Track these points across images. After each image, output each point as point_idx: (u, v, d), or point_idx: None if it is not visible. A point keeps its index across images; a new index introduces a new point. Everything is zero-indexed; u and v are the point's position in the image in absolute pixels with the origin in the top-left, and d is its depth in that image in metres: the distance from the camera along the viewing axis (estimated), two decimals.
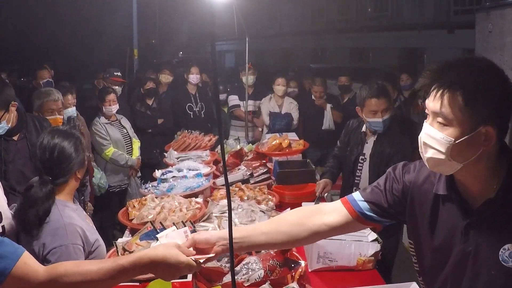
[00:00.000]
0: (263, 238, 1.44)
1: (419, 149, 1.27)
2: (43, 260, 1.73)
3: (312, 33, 16.17)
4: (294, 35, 16.76)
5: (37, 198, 1.80)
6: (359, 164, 3.02)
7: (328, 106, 5.17)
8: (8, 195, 2.09)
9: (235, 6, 4.73)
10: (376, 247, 2.24)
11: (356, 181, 3.05)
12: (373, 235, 2.31)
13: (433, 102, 1.18)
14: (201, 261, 1.31)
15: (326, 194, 3.44)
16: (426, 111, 1.24)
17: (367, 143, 2.99)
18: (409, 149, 2.82)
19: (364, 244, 2.23)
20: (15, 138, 2.76)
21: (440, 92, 1.16)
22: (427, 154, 1.22)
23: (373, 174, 2.90)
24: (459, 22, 9.64)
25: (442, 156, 1.18)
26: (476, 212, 1.23)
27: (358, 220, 1.42)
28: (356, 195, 1.45)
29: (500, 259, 1.19)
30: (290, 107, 5.26)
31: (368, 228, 2.37)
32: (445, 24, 10.26)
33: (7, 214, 1.86)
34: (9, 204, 1.93)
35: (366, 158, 2.98)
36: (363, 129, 3.03)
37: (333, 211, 1.45)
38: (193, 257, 1.30)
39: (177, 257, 1.27)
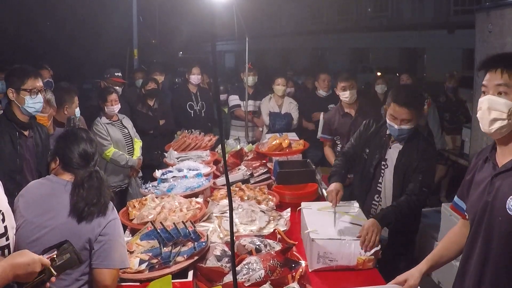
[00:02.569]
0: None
1: (479, 115, 1.60)
2: (99, 235, 1.84)
3: (312, 33, 16.19)
4: (294, 35, 16.77)
5: (104, 181, 1.93)
6: (381, 171, 2.80)
7: (321, 115, 5.14)
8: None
9: (235, 6, 4.72)
10: (376, 245, 2.24)
11: (378, 188, 2.83)
12: None
13: (497, 78, 1.54)
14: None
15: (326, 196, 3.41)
16: (484, 88, 1.60)
17: (390, 148, 2.77)
18: (435, 160, 2.70)
19: None
20: (26, 134, 2.81)
21: (502, 69, 1.53)
22: (491, 115, 1.55)
23: (397, 186, 2.72)
24: (459, 22, 9.65)
25: (504, 116, 1.52)
26: (502, 166, 1.57)
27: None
28: (457, 200, 1.86)
29: (507, 208, 1.49)
30: (290, 107, 5.26)
31: None
32: (445, 24, 10.28)
33: (9, 212, 1.87)
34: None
35: (387, 165, 2.76)
36: (388, 131, 2.79)
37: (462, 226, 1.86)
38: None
39: (30, 254, 1.50)
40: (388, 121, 2.69)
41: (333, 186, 2.66)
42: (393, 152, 2.76)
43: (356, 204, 2.67)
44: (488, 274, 1.57)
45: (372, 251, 2.21)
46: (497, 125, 1.54)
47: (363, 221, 2.37)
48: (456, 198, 1.88)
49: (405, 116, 2.59)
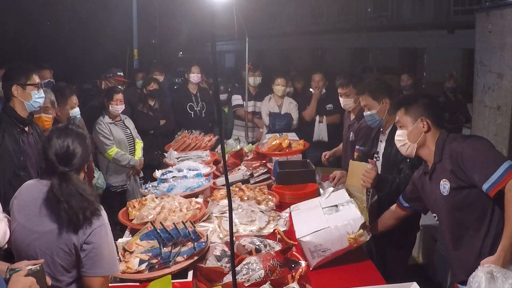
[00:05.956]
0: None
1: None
2: (84, 243, 1.75)
3: (312, 33, 16.17)
4: (294, 35, 16.76)
5: (78, 185, 1.76)
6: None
7: (317, 119, 5.11)
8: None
9: (235, 6, 4.73)
10: (360, 219, 2.23)
11: None
12: (355, 210, 2.32)
13: (397, 118, 2.27)
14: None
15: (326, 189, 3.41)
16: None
17: (380, 141, 2.89)
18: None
19: (348, 223, 2.23)
20: (27, 130, 2.81)
21: (396, 112, 2.27)
22: (398, 144, 2.26)
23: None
24: (459, 22, 9.63)
25: (404, 142, 2.21)
26: (431, 168, 2.16)
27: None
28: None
29: (441, 190, 2.08)
30: (290, 107, 5.26)
31: (349, 205, 2.41)
32: (445, 24, 10.25)
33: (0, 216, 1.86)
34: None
35: (379, 157, 2.86)
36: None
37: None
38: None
39: None
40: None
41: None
42: (381, 145, 2.86)
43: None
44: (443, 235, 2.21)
45: (358, 225, 2.22)
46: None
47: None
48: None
49: (364, 103, 2.87)
